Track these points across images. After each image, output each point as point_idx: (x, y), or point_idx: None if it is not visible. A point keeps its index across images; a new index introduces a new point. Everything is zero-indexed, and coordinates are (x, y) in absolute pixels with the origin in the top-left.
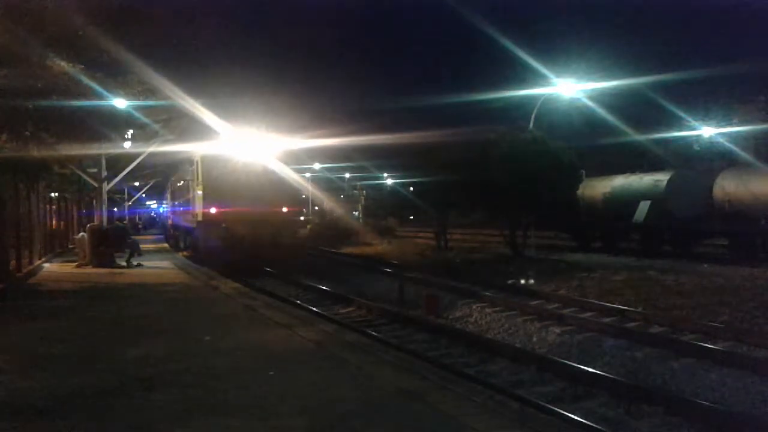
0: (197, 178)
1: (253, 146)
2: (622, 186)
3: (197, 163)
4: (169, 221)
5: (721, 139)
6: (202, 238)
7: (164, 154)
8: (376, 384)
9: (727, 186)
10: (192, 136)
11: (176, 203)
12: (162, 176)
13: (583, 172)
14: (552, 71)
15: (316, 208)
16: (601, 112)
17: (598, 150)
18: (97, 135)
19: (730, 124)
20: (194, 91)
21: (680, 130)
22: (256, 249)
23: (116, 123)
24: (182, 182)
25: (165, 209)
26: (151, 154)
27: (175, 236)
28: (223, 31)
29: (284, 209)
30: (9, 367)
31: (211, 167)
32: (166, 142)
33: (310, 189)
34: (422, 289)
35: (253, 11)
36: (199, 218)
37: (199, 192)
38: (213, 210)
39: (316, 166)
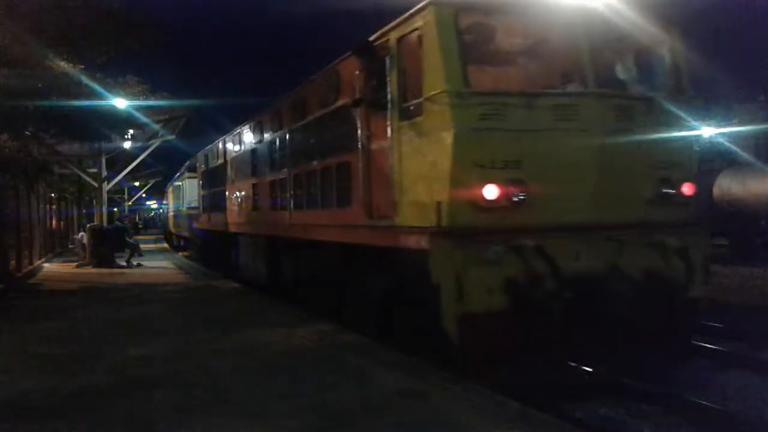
0: (426, 87)
1: None
2: None
3: (419, 40)
4: (173, 225)
5: (721, 139)
6: (455, 283)
7: (166, 149)
8: (376, 384)
9: (727, 186)
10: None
11: (247, 188)
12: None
13: None
14: None
15: None
16: None
17: None
18: (97, 135)
19: (730, 124)
20: None
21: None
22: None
23: (116, 123)
24: (286, 136)
25: (168, 206)
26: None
27: (217, 261)
28: None
29: (685, 188)
30: (9, 367)
31: (479, 47)
32: None
33: None
34: None
35: None
36: (440, 221)
37: (444, 136)
38: (493, 191)
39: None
